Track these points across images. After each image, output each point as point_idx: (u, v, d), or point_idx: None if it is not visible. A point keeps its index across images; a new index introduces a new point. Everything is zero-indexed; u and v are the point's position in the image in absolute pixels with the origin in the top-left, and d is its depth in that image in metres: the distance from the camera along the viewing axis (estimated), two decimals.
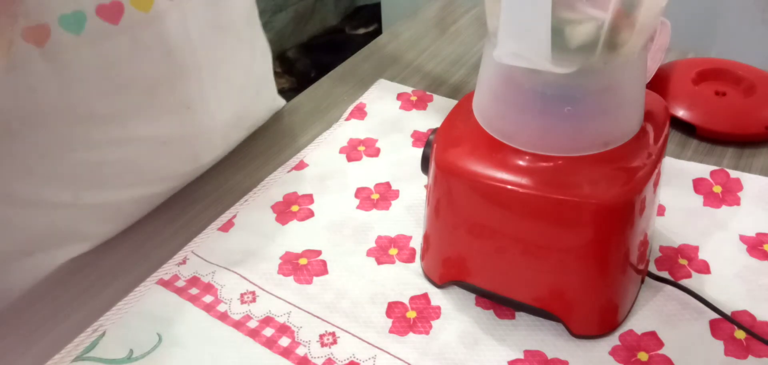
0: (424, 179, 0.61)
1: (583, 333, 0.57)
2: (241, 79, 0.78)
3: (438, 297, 0.62)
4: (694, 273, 0.62)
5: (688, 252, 0.64)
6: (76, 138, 0.62)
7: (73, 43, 0.57)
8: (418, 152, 0.62)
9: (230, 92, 0.75)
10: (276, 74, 0.88)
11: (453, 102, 0.86)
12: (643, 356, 0.56)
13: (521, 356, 0.56)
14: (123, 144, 0.66)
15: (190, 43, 0.67)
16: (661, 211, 0.68)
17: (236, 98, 0.77)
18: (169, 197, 0.75)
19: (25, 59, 0.55)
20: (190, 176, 0.77)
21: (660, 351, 0.56)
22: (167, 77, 0.67)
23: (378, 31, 2.42)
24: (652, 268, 0.63)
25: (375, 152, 0.80)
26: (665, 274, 0.62)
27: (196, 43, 0.68)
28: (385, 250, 0.67)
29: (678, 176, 0.72)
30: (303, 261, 0.66)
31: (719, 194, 0.70)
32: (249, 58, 0.79)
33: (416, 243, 0.67)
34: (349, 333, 0.59)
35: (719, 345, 0.56)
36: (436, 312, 0.60)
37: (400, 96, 0.89)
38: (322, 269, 0.65)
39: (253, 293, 0.63)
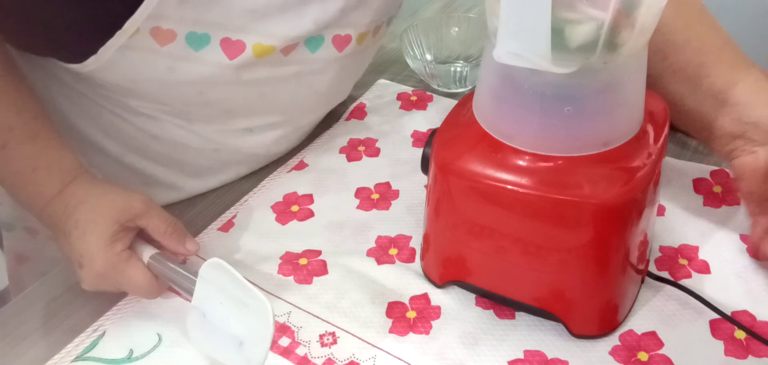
0: (424, 179, 0.61)
1: (583, 333, 0.57)
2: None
3: (438, 297, 0.62)
4: (694, 273, 0.62)
5: (688, 252, 0.64)
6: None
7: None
8: (418, 152, 0.62)
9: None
10: None
11: (453, 102, 0.86)
12: (643, 356, 0.56)
13: (521, 356, 0.56)
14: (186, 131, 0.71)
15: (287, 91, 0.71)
16: (661, 211, 0.68)
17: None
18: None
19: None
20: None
21: (660, 351, 0.56)
22: (252, 107, 0.71)
23: None
24: (652, 268, 0.63)
25: (375, 152, 0.80)
26: (665, 274, 0.62)
27: (295, 92, 0.72)
28: (385, 250, 0.67)
29: (678, 176, 0.72)
30: (303, 261, 0.66)
31: (719, 194, 0.70)
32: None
33: (416, 243, 0.67)
34: (349, 333, 0.59)
35: (719, 345, 0.56)
36: (436, 312, 0.60)
37: (400, 96, 0.89)
38: (322, 269, 0.65)
39: None
